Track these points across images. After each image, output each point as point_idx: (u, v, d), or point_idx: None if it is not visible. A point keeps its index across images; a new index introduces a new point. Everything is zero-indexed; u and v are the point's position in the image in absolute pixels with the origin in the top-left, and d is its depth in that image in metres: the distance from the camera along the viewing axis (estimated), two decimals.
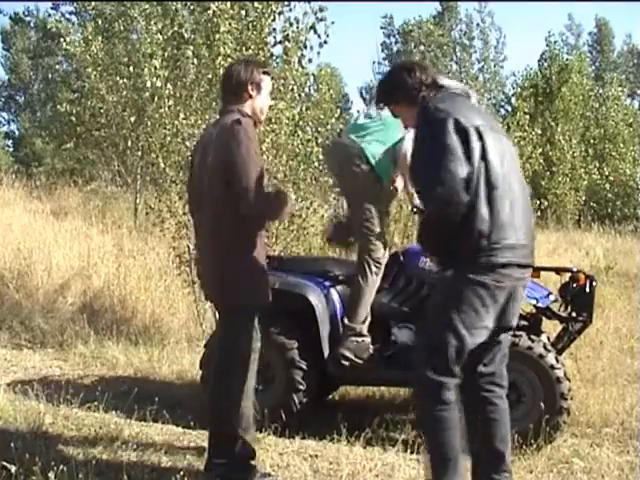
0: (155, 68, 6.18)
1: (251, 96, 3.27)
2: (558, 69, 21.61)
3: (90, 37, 12.25)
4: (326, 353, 3.99)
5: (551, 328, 4.39)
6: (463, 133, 2.66)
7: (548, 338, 4.06)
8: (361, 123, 4.20)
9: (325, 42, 6.35)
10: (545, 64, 22.59)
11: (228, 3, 6.13)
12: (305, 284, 4.08)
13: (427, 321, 2.83)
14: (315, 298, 4.03)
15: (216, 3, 6.12)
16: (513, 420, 3.60)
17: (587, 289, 3.98)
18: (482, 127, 2.72)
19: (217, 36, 6.05)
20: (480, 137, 2.69)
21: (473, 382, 2.85)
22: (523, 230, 2.74)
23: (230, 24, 6.08)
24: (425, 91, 2.93)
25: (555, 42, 22.98)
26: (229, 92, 3.30)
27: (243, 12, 6.24)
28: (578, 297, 4.01)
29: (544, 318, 4.10)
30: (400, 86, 3.01)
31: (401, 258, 4.25)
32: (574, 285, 4.00)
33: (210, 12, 6.13)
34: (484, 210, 2.65)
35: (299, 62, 6.26)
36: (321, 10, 6.25)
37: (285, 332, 4.02)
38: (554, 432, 3.75)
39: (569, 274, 4.08)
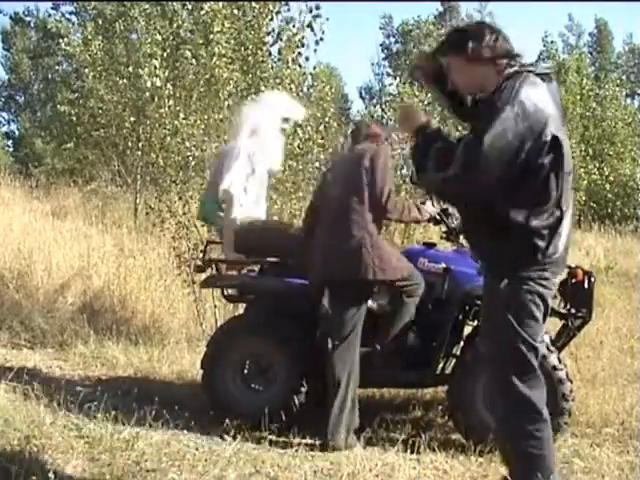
0: (155, 68, 6.18)
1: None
2: (556, 69, 21.61)
3: (90, 37, 12.25)
4: None
5: (550, 327, 4.39)
6: (547, 144, 2.56)
7: (551, 338, 4.06)
8: None
9: (321, 39, 6.35)
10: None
11: (220, 3, 6.13)
12: (306, 286, 4.05)
13: (489, 333, 2.77)
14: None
15: (209, 3, 6.12)
16: None
17: (586, 285, 3.98)
18: (562, 138, 2.61)
19: (212, 36, 6.05)
20: (561, 149, 2.59)
21: None
22: (567, 244, 2.71)
23: (224, 24, 6.08)
24: (503, 60, 2.68)
25: (552, 42, 23.03)
26: (360, 139, 4.12)
27: (240, 12, 6.24)
28: (577, 293, 3.99)
29: None
30: (477, 38, 2.70)
31: None
32: (573, 281, 3.99)
33: (203, 12, 6.14)
34: (544, 224, 2.59)
35: (294, 61, 6.26)
36: (317, 8, 6.25)
37: (287, 334, 4.01)
38: (554, 433, 3.73)
39: (567, 270, 4.07)
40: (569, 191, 2.66)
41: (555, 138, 2.57)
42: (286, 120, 4.61)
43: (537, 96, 2.59)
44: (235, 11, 6.24)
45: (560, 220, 2.61)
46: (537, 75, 2.68)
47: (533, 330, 2.65)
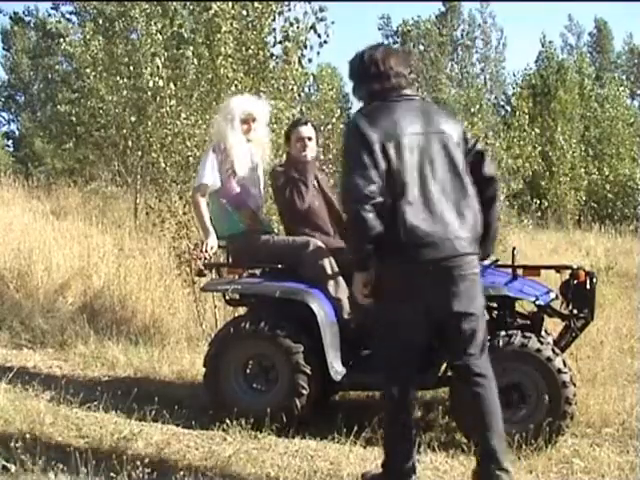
0: (158, 68, 6.17)
1: None
2: (555, 69, 21.64)
3: (90, 37, 12.24)
4: (329, 359, 3.95)
5: (551, 327, 4.39)
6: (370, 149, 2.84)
7: (553, 339, 4.05)
8: None
9: (325, 42, 6.35)
10: (542, 65, 22.69)
11: (230, 3, 6.13)
12: (307, 291, 4.05)
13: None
14: (317, 305, 3.98)
15: (217, 3, 6.11)
16: (515, 421, 3.62)
17: (588, 286, 3.97)
18: (389, 142, 2.85)
19: (218, 36, 6.04)
20: (385, 153, 2.84)
21: (455, 377, 3.14)
22: (450, 226, 2.86)
23: (232, 24, 6.08)
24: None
25: (550, 42, 23.10)
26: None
27: (244, 12, 6.23)
28: (579, 294, 3.98)
29: (545, 316, 4.09)
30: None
31: None
32: (574, 282, 3.98)
33: (211, 12, 6.12)
34: (394, 216, 2.81)
35: (299, 62, 6.26)
36: (321, 10, 6.25)
37: (291, 336, 3.99)
38: (556, 436, 3.73)
39: (569, 271, 4.07)
40: (412, 185, 2.85)
41: (382, 148, 2.85)
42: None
43: (366, 122, 2.89)
44: (244, 12, 6.23)
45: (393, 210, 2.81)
46: (392, 100, 2.97)
47: (397, 314, 2.90)
